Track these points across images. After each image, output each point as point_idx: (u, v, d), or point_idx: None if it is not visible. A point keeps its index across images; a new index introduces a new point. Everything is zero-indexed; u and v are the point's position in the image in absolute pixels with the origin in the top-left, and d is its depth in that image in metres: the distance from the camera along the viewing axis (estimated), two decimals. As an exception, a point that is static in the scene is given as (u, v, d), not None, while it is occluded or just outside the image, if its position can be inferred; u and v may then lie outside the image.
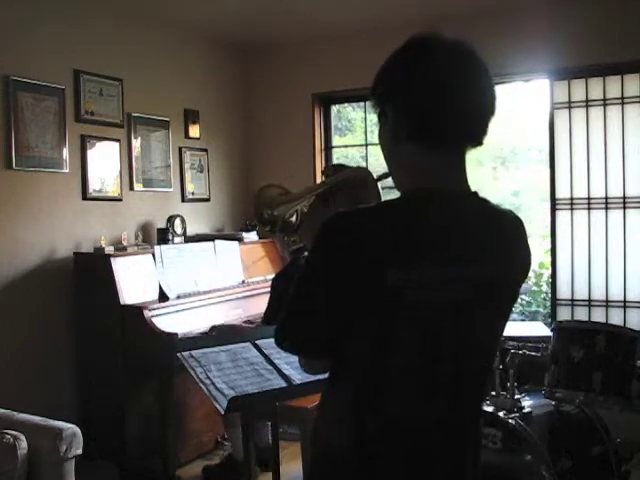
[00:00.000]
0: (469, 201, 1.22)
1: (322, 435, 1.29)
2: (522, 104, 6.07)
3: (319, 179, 5.02)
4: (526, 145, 6.68)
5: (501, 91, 6.06)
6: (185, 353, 2.19)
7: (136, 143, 4.24)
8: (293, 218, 1.59)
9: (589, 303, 4.20)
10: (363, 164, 5.02)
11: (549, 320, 4.42)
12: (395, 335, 1.15)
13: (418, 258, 1.13)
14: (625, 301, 4.10)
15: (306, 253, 1.31)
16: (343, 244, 1.13)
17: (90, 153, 3.91)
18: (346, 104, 5.39)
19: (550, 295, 4.47)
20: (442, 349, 1.18)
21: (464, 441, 1.26)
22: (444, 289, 1.15)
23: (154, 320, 3.56)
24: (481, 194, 1.25)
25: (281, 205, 1.59)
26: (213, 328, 3.79)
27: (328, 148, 5.07)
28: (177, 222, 4.33)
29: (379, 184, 1.48)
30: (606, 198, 4.13)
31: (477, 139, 1.22)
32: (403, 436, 1.20)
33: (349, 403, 1.21)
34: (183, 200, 4.62)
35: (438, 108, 1.16)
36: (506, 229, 1.25)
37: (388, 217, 1.16)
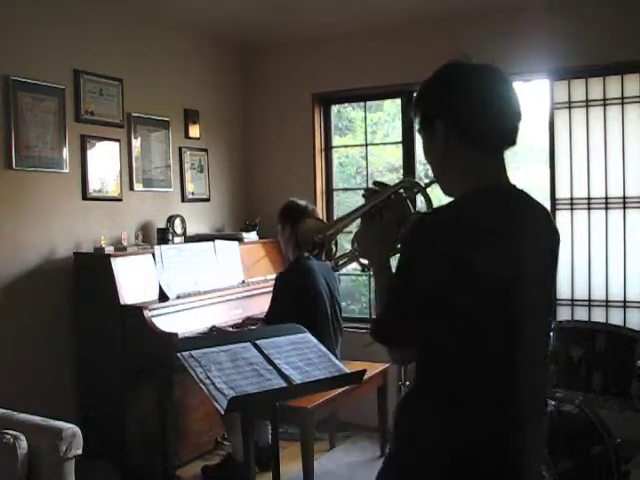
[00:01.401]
0: (514, 193, 1.46)
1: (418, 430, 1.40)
2: (522, 104, 6.07)
3: (319, 179, 5.02)
4: (526, 145, 6.68)
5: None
6: (185, 353, 2.20)
7: (136, 143, 4.23)
8: (332, 245, 1.70)
9: (589, 303, 4.20)
10: (363, 164, 5.02)
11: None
12: (481, 312, 1.32)
13: (485, 244, 1.32)
14: (625, 301, 4.10)
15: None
16: (433, 240, 1.33)
17: (90, 153, 3.91)
18: (346, 104, 5.38)
19: (550, 295, 4.47)
20: (517, 322, 1.35)
21: (542, 418, 1.51)
22: (510, 268, 1.34)
23: (154, 320, 3.56)
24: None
25: (331, 228, 1.71)
26: (213, 328, 3.79)
27: (328, 148, 5.06)
28: (177, 222, 4.33)
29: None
30: (606, 198, 4.13)
31: (513, 140, 1.47)
32: (500, 413, 1.35)
33: (448, 392, 1.36)
34: (183, 200, 4.62)
35: (481, 116, 1.41)
36: (544, 212, 1.51)
37: (465, 212, 1.37)
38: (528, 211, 1.46)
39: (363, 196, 1.64)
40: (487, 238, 1.33)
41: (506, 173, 1.48)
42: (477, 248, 1.31)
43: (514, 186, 1.47)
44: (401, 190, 1.61)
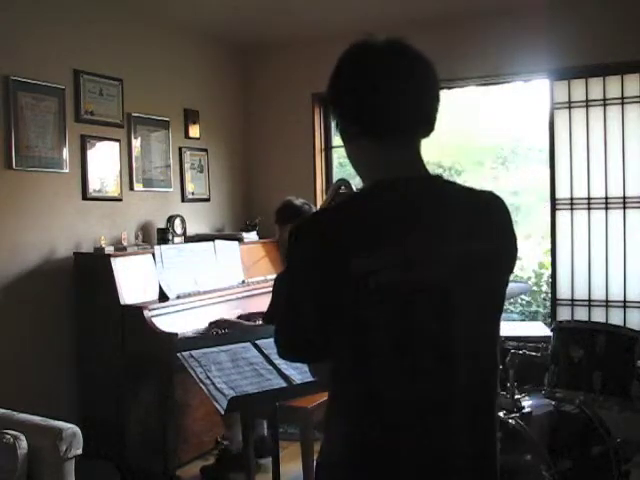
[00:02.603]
0: (429, 184, 1.28)
1: (329, 438, 1.30)
2: (522, 104, 6.07)
3: (319, 179, 5.03)
4: (526, 145, 6.68)
5: (501, 91, 6.05)
6: (185, 353, 2.19)
7: (136, 143, 4.23)
8: None
9: (589, 303, 4.20)
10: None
11: (549, 320, 4.42)
12: (368, 321, 1.17)
13: (379, 243, 1.17)
14: (625, 301, 4.10)
15: None
16: (309, 244, 1.20)
17: (90, 153, 3.91)
18: (346, 104, 5.38)
19: (550, 295, 4.47)
20: (417, 330, 1.19)
21: (458, 426, 1.24)
22: (409, 271, 1.17)
23: (154, 320, 3.56)
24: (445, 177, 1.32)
25: None
26: (211, 324, 3.79)
27: (328, 148, 5.06)
28: (177, 222, 4.33)
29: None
30: (606, 198, 4.13)
31: (424, 127, 1.28)
32: (396, 422, 1.21)
33: (345, 402, 1.24)
34: (183, 200, 4.62)
35: (375, 104, 1.23)
36: (482, 206, 1.28)
37: (347, 210, 1.23)
38: (450, 205, 1.25)
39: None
40: (368, 240, 1.17)
41: (420, 164, 1.29)
42: (355, 251, 1.16)
43: (434, 177, 1.29)
44: (343, 189, 1.54)
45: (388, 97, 1.23)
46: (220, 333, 3.67)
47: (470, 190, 1.30)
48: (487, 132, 6.74)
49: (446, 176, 1.33)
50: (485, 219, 1.27)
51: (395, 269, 1.16)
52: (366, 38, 1.29)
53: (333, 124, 1.35)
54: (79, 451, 2.59)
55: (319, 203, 4.91)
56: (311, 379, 2.25)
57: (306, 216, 1.32)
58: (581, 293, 4.23)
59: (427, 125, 1.29)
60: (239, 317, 3.99)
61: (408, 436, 1.21)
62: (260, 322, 3.77)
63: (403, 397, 1.20)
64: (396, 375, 1.20)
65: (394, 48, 1.26)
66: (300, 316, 1.23)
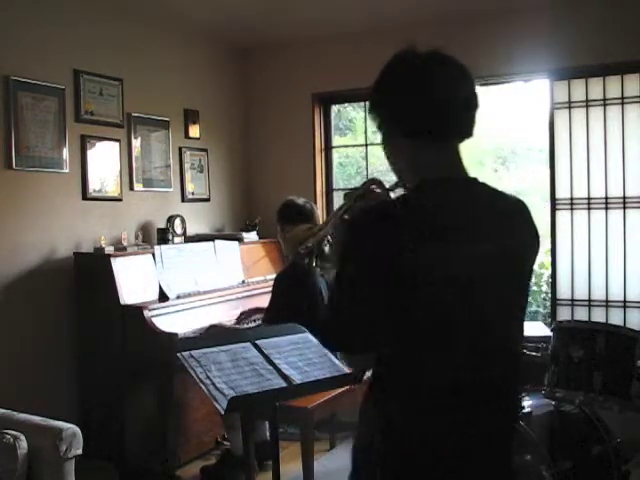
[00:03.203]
0: (473, 185, 1.39)
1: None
2: (522, 104, 6.07)
3: (319, 179, 5.03)
4: (526, 145, 6.68)
5: (501, 91, 6.05)
6: (185, 353, 2.19)
7: (136, 143, 4.23)
8: (327, 248, 1.70)
9: (589, 303, 4.20)
10: (363, 164, 5.02)
11: (549, 320, 4.42)
12: (424, 311, 1.27)
13: (437, 239, 1.26)
14: (625, 301, 4.10)
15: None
16: (368, 237, 1.28)
17: (90, 153, 3.91)
18: (346, 104, 5.39)
19: (550, 295, 4.47)
20: (460, 321, 1.30)
21: (494, 413, 1.37)
22: (457, 265, 1.27)
23: (154, 320, 3.56)
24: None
25: (310, 237, 1.71)
26: (211, 327, 3.79)
27: (328, 148, 5.06)
28: (177, 222, 4.33)
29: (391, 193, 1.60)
30: (606, 198, 4.13)
31: (466, 131, 1.39)
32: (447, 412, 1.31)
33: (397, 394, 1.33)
34: (183, 200, 4.62)
35: (424, 108, 1.33)
36: (510, 209, 1.40)
37: (404, 206, 1.32)
38: (492, 206, 1.38)
39: (344, 199, 1.63)
40: (436, 233, 1.27)
41: (461, 165, 1.40)
42: (415, 245, 1.25)
43: (474, 179, 1.40)
44: (374, 189, 1.58)
45: (435, 102, 1.33)
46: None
47: (499, 192, 1.41)
48: (487, 132, 6.74)
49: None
50: (515, 218, 1.39)
51: (444, 263, 1.26)
52: (411, 47, 1.38)
53: (375, 126, 1.43)
54: (79, 451, 2.59)
55: (319, 203, 4.92)
56: (311, 379, 2.26)
57: (364, 209, 1.40)
58: (581, 293, 4.23)
59: (469, 129, 1.40)
60: (241, 314, 3.99)
61: (449, 422, 1.31)
62: (260, 322, 3.78)
63: (449, 384, 1.30)
64: (443, 363, 1.30)
65: (439, 57, 1.37)
66: (357, 305, 1.29)
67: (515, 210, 1.40)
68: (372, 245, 1.27)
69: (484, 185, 1.40)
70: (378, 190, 1.55)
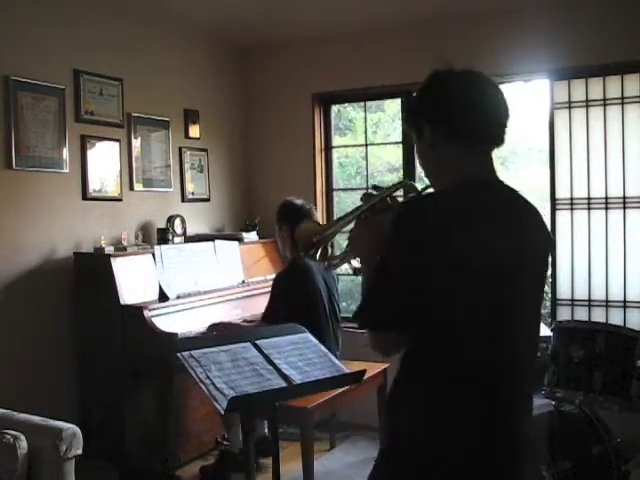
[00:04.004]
0: (503, 187, 1.51)
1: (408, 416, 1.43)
2: (522, 104, 6.06)
3: (319, 179, 5.02)
4: (526, 145, 6.68)
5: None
6: (185, 353, 2.19)
7: (136, 143, 4.23)
8: (329, 245, 1.74)
9: (589, 303, 4.20)
10: (363, 164, 5.02)
11: (549, 320, 4.41)
12: (461, 303, 1.36)
13: (475, 233, 1.36)
14: (625, 301, 4.10)
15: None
16: (416, 226, 1.36)
17: (90, 153, 3.91)
18: (346, 104, 5.38)
19: (550, 295, 4.47)
20: (502, 310, 1.39)
21: (521, 398, 1.46)
22: (497, 262, 1.37)
23: (154, 320, 3.56)
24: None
25: (329, 228, 1.76)
26: (211, 326, 3.79)
27: (328, 148, 5.06)
28: (177, 222, 4.33)
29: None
30: (606, 198, 4.13)
31: (500, 139, 1.53)
32: (475, 387, 1.37)
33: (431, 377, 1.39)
34: (183, 200, 4.62)
35: (464, 117, 1.47)
36: (531, 209, 1.53)
37: (448, 201, 1.42)
38: (518, 207, 1.50)
39: (361, 199, 1.68)
40: (474, 227, 1.37)
41: (494, 170, 1.53)
42: (463, 236, 1.34)
43: (504, 183, 1.52)
44: (398, 192, 1.65)
45: (476, 111, 1.48)
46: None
47: (520, 195, 1.52)
48: (487, 132, 6.73)
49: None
50: (535, 221, 1.52)
51: (481, 256, 1.34)
52: (448, 67, 1.52)
53: (413, 132, 1.54)
54: (79, 451, 2.59)
55: (319, 203, 4.92)
56: (311, 379, 2.26)
57: (410, 202, 1.51)
58: (581, 293, 4.23)
59: (502, 137, 1.53)
60: (244, 321, 3.98)
61: (476, 419, 1.37)
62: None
63: (476, 380, 1.37)
64: (471, 357, 1.36)
65: (476, 73, 1.52)
66: (399, 289, 1.37)
67: (534, 213, 1.53)
68: (417, 235, 1.35)
69: (511, 188, 1.52)
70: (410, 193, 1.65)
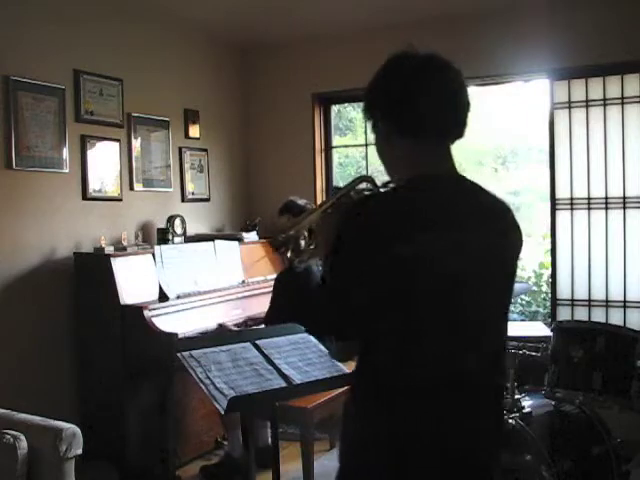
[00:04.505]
0: (461, 183, 1.42)
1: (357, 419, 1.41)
2: (522, 104, 6.07)
3: (319, 179, 5.03)
4: (526, 145, 6.68)
5: (501, 91, 6.03)
6: (185, 353, 2.19)
7: (136, 143, 4.23)
8: (302, 242, 1.70)
9: (589, 303, 4.20)
10: (363, 164, 5.02)
11: (549, 320, 4.41)
12: (416, 305, 1.30)
13: (419, 232, 1.29)
14: (625, 301, 4.10)
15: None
16: (363, 227, 1.31)
17: (90, 153, 3.91)
18: (346, 104, 5.38)
19: (550, 295, 4.47)
20: (458, 313, 1.33)
21: (480, 403, 1.38)
22: (452, 261, 1.30)
23: (154, 320, 3.56)
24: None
25: (292, 227, 1.71)
26: (220, 327, 3.79)
27: (328, 148, 5.06)
28: (177, 222, 4.33)
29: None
30: (606, 198, 4.13)
31: (459, 132, 1.43)
32: (428, 397, 1.32)
33: (378, 378, 1.35)
34: (183, 200, 4.62)
35: (417, 108, 1.37)
36: (497, 208, 1.44)
37: (397, 200, 1.36)
38: (480, 204, 1.41)
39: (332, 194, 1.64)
40: (423, 227, 1.30)
41: (452, 164, 1.44)
42: (409, 237, 1.28)
43: (463, 177, 1.44)
44: (363, 187, 1.59)
45: (428, 102, 1.37)
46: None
47: (485, 190, 1.44)
48: (487, 132, 6.74)
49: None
50: (501, 218, 1.43)
51: (436, 257, 1.29)
52: (406, 49, 1.42)
53: (369, 125, 1.47)
54: (79, 451, 2.59)
55: (319, 203, 4.91)
56: (311, 379, 2.26)
57: (357, 204, 1.42)
58: (581, 293, 4.23)
59: (460, 129, 1.43)
60: (245, 321, 3.97)
61: (430, 420, 1.32)
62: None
63: (430, 381, 1.32)
64: (425, 358, 1.31)
65: (432, 59, 1.41)
66: (347, 293, 1.32)
67: (501, 209, 1.43)
68: (364, 236, 1.30)
69: (473, 183, 1.43)
70: (368, 186, 1.56)
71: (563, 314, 4.25)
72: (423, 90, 1.37)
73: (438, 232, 1.30)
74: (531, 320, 5.69)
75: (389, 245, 1.27)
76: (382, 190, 1.49)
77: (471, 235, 1.34)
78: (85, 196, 3.89)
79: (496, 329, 1.42)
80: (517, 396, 2.99)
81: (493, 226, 1.39)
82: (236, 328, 3.83)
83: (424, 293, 1.30)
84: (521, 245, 1.45)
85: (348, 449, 1.43)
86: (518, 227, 1.45)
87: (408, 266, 1.27)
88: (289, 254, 1.71)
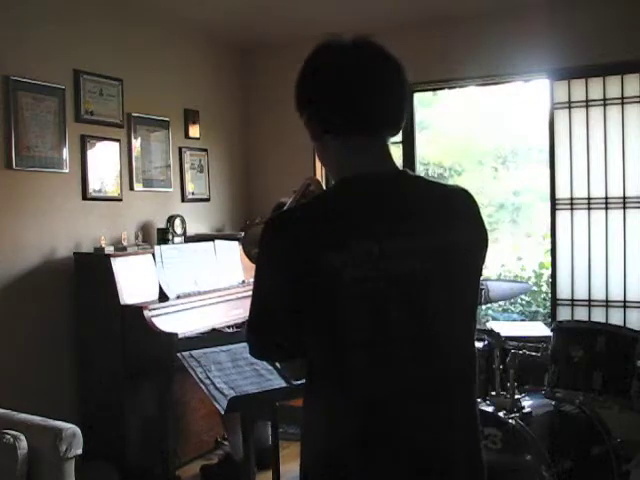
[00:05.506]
0: (397, 179, 1.28)
1: (307, 434, 1.32)
2: (522, 104, 6.07)
3: (319, 179, 5.02)
4: (526, 145, 6.68)
5: (501, 91, 6.04)
6: (185, 353, 2.20)
7: (136, 143, 4.23)
8: None
9: (589, 303, 4.20)
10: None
11: (549, 320, 4.42)
12: (344, 315, 1.19)
13: (349, 238, 1.18)
14: (625, 301, 4.10)
15: None
16: (279, 242, 1.21)
17: (90, 153, 3.91)
18: (346, 104, 5.37)
19: (550, 295, 4.47)
20: (393, 322, 1.20)
21: (436, 418, 1.24)
22: (382, 264, 1.18)
23: (154, 320, 3.56)
24: (409, 173, 1.32)
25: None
26: (214, 331, 3.78)
27: (328, 148, 5.06)
28: (177, 222, 4.33)
29: None
30: (606, 198, 4.13)
31: (392, 126, 1.30)
32: (371, 414, 1.21)
33: (321, 396, 1.27)
34: (183, 200, 4.62)
35: (341, 104, 1.26)
36: (450, 202, 1.29)
37: (315, 208, 1.25)
38: (417, 201, 1.27)
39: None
40: (337, 235, 1.19)
41: (386, 160, 1.31)
42: (325, 247, 1.17)
43: (400, 172, 1.30)
44: (311, 187, 1.50)
45: (354, 96, 1.25)
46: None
47: (436, 184, 1.34)
48: (487, 132, 6.74)
49: (432, 175, 1.36)
50: (452, 211, 1.28)
51: (367, 263, 1.17)
52: (332, 38, 1.30)
53: (303, 122, 1.36)
54: (79, 451, 2.59)
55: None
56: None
57: (275, 214, 1.31)
58: (581, 293, 4.23)
59: (394, 124, 1.30)
60: (243, 322, 3.96)
61: (384, 430, 1.21)
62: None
63: (379, 391, 1.21)
64: (371, 369, 1.20)
65: (361, 47, 1.27)
66: (272, 315, 1.24)
67: (456, 203, 1.30)
68: (279, 253, 1.20)
69: (418, 178, 1.32)
70: (313, 189, 1.48)
71: (563, 314, 4.25)
72: (346, 82, 1.25)
73: (368, 236, 1.18)
74: (531, 320, 5.69)
75: (312, 257, 1.17)
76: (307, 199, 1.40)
77: (413, 235, 1.21)
78: (85, 196, 3.89)
79: (455, 331, 1.27)
80: (517, 396, 2.98)
81: (443, 222, 1.25)
82: (230, 331, 3.82)
83: (354, 305, 1.18)
84: (483, 240, 1.32)
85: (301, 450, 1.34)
86: (478, 221, 1.32)
87: (335, 277, 1.16)
88: None
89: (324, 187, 1.52)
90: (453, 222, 1.27)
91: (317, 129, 1.31)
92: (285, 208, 1.39)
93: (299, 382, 1.44)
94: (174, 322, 3.65)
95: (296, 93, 1.34)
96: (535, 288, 5.83)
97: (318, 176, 5.00)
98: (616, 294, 4.12)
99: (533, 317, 5.82)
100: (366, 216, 1.21)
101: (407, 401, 1.22)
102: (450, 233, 1.25)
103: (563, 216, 4.26)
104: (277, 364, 1.40)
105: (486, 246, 1.34)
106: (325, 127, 1.29)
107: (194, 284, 3.98)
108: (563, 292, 4.28)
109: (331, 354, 1.22)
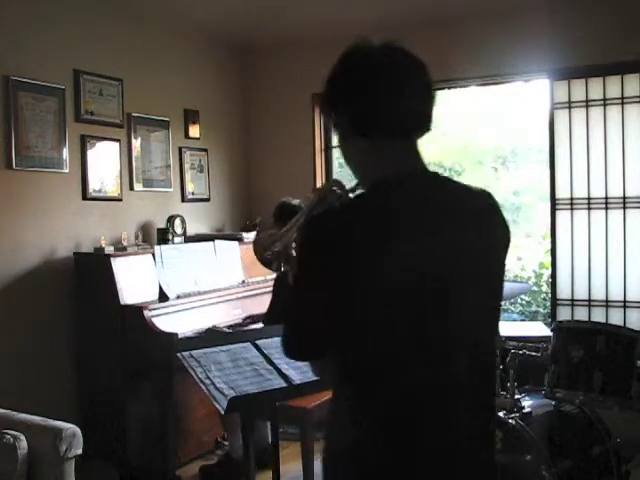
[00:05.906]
0: (434, 181, 1.32)
1: (333, 434, 1.33)
2: (522, 104, 6.07)
3: (319, 179, 5.02)
4: (526, 145, 6.68)
5: (501, 91, 6.04)
6: (185, 353, 2.20)
7: (136, 143, 4.23)
8: (293, 252, 1.62)
9: (589, 303, 4.20)
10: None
11: (549, 320, 4.42)
12: (382, 314, 1.21)
13: (389, 241, 1.20)
14: (625, 301, 4.10)
15: None
16: (325, 241, 1.21)
17: (90, 153, 3.91)
18: (346, 104, 5.37)
19: (550, 295, 4.47)
20: (428, 321, 1.23)
21: (461, 418, 1.28)
22: (428, 265, 1.21)
23: (154, 320, 3.56)
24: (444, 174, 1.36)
25: (276, 242, 1.63)
26: (211, 329, 3.78)
27: (328, 148, 5.06)
28: (177, 222, 4.33)
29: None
30: (606, 198, 4.13)
31: (422, 126, 1.32)
32: (404, 408, 1.24)
33: (352, 393, 1.26)
34: (183, 200, 4.62)
35: (374, 106, 1.27)
36: (477, 203, 1.33)
37: (360, 208, 1.27)
38: (450, 202, 1.30)
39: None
40: (384, 236, 1.20)
41: (420, 161, 1.33)
42: (372, 248, 1.19)
43: (434, 174, 1.33)
44: (335, 190, 1.52)
45: (386, 99, 1.27)
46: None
47: (465, 187, 1.34)
48: (487, 132, 6.74)
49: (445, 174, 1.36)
50: (482, 213, 1.32)
51: (406, 262, 1.19)
52: (361, 41, 1.33)
53: (331, 125, 1.37)
54: (79, 451, 2.59)
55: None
56: (311, 379, 2.26)
57: (318, 214, 1.32)
58: (581, 293, 4.23)
59: (424, 124, 1.32)
60: (247, 317, 3.96)
61: (411, 430, 1.24)
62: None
63: (413, 389, 1.23)
64: (406, 367, 1.22)
65: (389, 51, 1.31)
66: (310, 315, 1.25)
67: (482, 204, 1.33)
68: (323, 252, 1.21)
69: (448, 180, 1.35)
70: (338, 191, 1.49)
71: (563, 314, 4.25)
72: (378, 85, 1.27)
73: (405, 239, 1.21)
74: (531, 320, 5.69)
75: (351, 260, 1.18)
76: (350, 196, 1.42)
77: (446, 237, 1.24)
78: (85, 196, 3.89)
79: (482, 333, 1.31)
80: (517, 396, 2.98)
81: (472, 224, 1.29)
82: (228, 330, 3.83)
83: (389, 305, 1.20)
84: (507, 240, 1.36)
85: (324, 458, 1.34)
86: (502, 221, 1.35)
87: (374, 279, 1.18)
88: (282, 267, 1.66)
89: (346, 189, 1.51)
90: (482, 222, 1.31)
91: (348, 130, 1.32)
92: (324, 208, 1.40)
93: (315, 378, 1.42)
94: (174, 322, 3.66)
95: (327, 94, 1.35)
96: (535, 288, 5.82)
97: (318, 179, 5.01)
98: (616, 294, 4.12)
99: (533, 317, 5.81)
100: (403, 219, 1.24)
101: (438, 399, 1.25)
102: (479, 236, 1.28)
103: (563, 216, 4.26)
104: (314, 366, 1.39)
105: (508, 247, 1.37)
106: (359, 128, 1.30)
107: (194, 284, 3.98)
108: (563, 292, 4.28)
109: (366, 352, 1.23)
